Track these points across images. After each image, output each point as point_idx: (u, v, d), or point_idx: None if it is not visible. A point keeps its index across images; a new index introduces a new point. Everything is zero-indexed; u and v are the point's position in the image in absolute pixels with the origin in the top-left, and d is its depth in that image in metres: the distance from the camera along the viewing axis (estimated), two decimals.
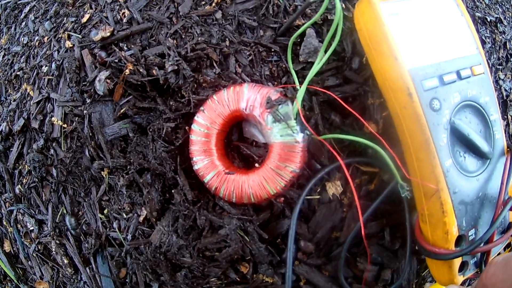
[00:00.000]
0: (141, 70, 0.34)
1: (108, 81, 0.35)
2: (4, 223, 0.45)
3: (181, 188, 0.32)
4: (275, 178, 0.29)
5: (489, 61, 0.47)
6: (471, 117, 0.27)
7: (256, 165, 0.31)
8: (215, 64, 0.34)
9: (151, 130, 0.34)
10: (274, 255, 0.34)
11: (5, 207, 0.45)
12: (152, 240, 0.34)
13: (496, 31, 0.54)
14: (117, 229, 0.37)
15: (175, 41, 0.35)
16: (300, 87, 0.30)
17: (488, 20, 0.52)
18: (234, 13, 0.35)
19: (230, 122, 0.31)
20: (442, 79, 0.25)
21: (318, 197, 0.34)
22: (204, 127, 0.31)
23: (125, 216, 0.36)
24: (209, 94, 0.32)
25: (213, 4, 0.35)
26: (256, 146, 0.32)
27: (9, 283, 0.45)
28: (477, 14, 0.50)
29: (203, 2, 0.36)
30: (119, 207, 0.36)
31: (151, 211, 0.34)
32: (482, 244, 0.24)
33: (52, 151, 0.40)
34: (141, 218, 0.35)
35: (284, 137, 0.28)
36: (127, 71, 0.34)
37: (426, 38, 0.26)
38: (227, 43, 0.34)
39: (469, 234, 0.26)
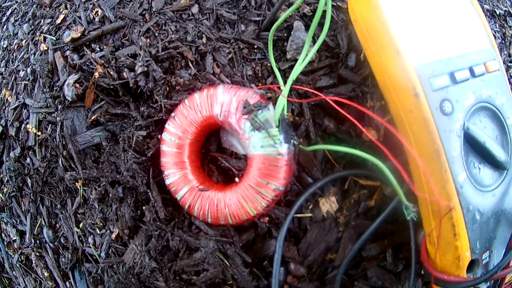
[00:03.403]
0: (111, 72, 0.29)
1: (77, 85, 0.30)
2: None
3: (153, 205, 0.27)
4: (255, 197, 0.23)
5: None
6: (486, 122, 0.22)
7: (236, 179, 0.25)
8: (190, 64, 0.27)
9: (121, 139, 0.28)
10: (260, 279, 0.28)
11: None
12: (125, 260, 0.28)
13: (505, 25, 0.46)
14: (91, 245, 0.32)
15: (148, 40, 0.29)
16: (285, 86, 0.24)
17: (497, 13, 0.44)
18: (211, 7, 0.28)
19: (204, 130, 0.25)
20: (453, 77, 0.20)
21: (310, 215, 0.27)
22: (176, 136, 0.25)
23: (98, 231, 0.31)
24: (182, 98, 0.26)
25: None
26: (236, 158, 0.26)
27: None
28: (486, 6, 0.42)
29: None
30: (92, 222, 0.31)
31: (122, 229, 0.28)
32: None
33: (28, 159, 0.36)
34: (113, 235, 0.29)
35: (265, 148, 0.22)
36: (97, 74, 0.29)
37: (433, 29, 0.22)
38: (204, 40, 0.28)
39: (483, 258, 0.21)
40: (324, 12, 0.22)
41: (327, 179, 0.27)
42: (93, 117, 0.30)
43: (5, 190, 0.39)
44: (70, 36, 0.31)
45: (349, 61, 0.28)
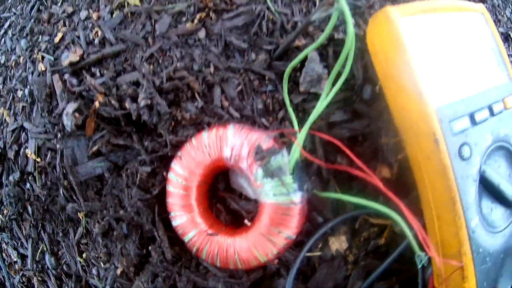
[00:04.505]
0: (112, 101, 0.26)
1: (77, 114, 0.27)
2: None
3: (159, 245, 0.24)
4: (266, 245, 0.20)
5: None
6: (501, 161, 0.21)
7: (246, 221, 0.23)
8: (197, 96, 0.25)
9: (125, 175, 0.25)
10: None
11: None
12: None
13: None
14: (95, 276, 0.29)
15: (151, 67, 0.26)
16: (300, 131, 0.21)
17: (511, 36, 0.41)
18: (220, 32, 0.25)
19: (212, 172, 0.22)
20: (473, 118, 0.19)
21: (319, 253, 0.25)
22: (182, 177, 0.22)
23: (102, 265, 0.29)
24: (189, 134, 0.24)
25: (195, 21, 0.26)
26: (246, 200, 0.24)
27: None
28: (500, 29, 0.39)
29: (184, 19, 0.26)
30: (96, 255, 0.29)
31: (127, 266, 0.26)
32: None
33: (28, 185, 0.33)
34: (118, 271, 0.27)
35: (278, 196, 0.20)
36: (97, 104, 0.26)
37: (453, 66, 0.20)
38: (212, 69, 0.25)
39: None
40: (346, 51, 0.19)
41: (338, 220, 0.24)
42: (94, 148, 0.27)
43: (5, 212, 0.36)
44: (68, 59, 0.28)
45: (364, 94, 0.25)
